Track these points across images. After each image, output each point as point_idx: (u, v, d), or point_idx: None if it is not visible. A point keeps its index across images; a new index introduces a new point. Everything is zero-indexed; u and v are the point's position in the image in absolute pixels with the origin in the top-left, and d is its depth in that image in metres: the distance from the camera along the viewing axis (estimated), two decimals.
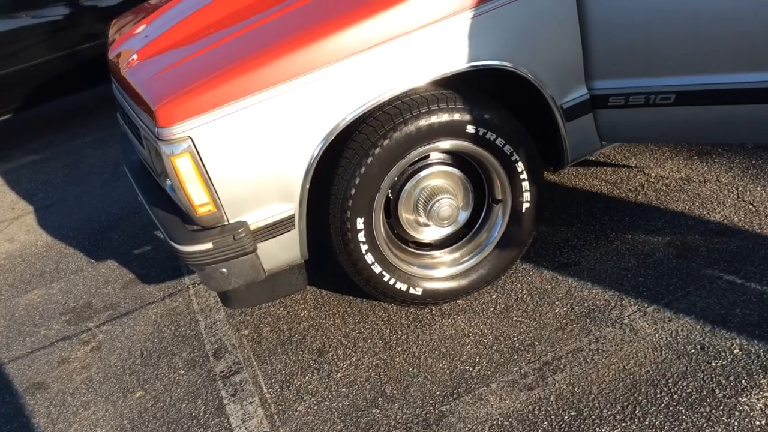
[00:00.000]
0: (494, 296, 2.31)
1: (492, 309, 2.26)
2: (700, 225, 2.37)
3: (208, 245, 1.96)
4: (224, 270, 2.01)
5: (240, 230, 1.96)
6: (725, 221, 2.36)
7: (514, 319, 2.19)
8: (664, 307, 2.07)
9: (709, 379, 1.81)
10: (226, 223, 1.98)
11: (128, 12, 3.36)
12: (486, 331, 2.17)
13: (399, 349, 2.18)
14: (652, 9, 2.04)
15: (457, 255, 2.32)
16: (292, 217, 2.05)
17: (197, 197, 1.93)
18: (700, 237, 2.31)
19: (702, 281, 2.13)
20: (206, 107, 1.88)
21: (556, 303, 2.21)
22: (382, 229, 2.21)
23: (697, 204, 2.47)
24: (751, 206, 2.39)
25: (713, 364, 1.85)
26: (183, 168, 1.89)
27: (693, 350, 1.90)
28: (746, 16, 1.91)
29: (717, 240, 2.28)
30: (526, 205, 2.28)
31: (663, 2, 2.02)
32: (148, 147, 2.12)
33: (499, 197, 2.29)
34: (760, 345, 1.86)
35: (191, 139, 1.88)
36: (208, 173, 1.91)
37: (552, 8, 2.12)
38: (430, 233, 2.31)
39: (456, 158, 2.26)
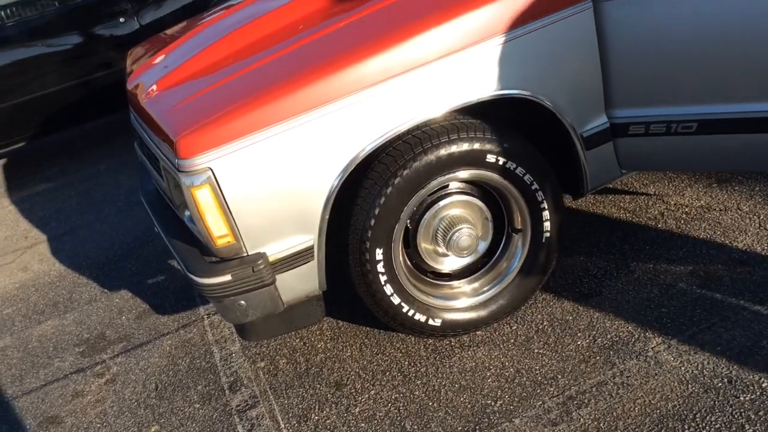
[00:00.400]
0: (514, 327, 2.28)
1: (512, 341, 2.22)
2: (722, 254, 2.34)
3: (227, 277, 1.94)
4: (243, 302, 1.99)
5: (259, 262, 1.95)
6: (748, 250, 2.32)
7: (536, 351, 2.15)
8: (689, 338, 2.03)
9: (738, 414, 1.76)
10: (246, 254, 1.96)
11: (144, 42, 3.39)
12: (507, 363, 2.13)
13: (418, 382, 2.15)
14: (672, 38, 2.03)
15: (476, 285, 2.30)
16: (311, 248, 2.03)
17: (216, 229, 1.92)
18: (723, 266, 2.28)
19: (727, 312, 2.10)
20: (226, 139, 1.88)
21: (578, 335, 2.17)
22: (401, 260, 2.19)
23: (719, 232, 2.44)
24: None
25: (741, 398, 1.80)
26: (203, 199, 1.89)
27: (720, 384, 1.86)
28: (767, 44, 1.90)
29: (740, 269, 2.25)
30: (546, 235, 2.26)
31: (683, 31, 2.01)
32: (167, 178, 2.11)
33: (519, 227, 2.27)
34: None
35: (211, 170, 1.87)
36: (227, 204, 1.90)
37: (571, 38, 2.11)
38: (450, 263, 2.28)
39: (475, 187, 2.25)
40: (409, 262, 2.25)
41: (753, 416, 1.75)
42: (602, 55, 2.16)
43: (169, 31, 3.36)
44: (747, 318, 2.05)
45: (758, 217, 2.47)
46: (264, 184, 1.93)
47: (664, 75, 2.11)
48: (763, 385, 1.83)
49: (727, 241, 2.39)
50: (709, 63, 2.02)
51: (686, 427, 1.77)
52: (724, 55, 1.99)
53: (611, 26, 2.11)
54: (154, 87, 2.33)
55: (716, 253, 2.35)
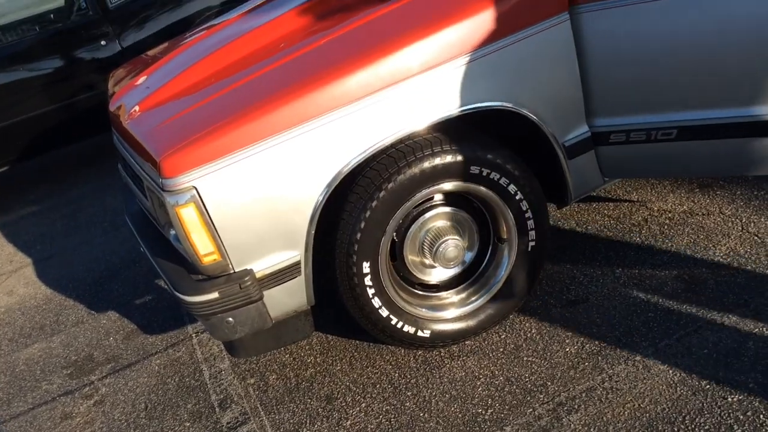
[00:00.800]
0: (503, 336, 2.29)
1: (502, 349, 2.23)
2: (706, 258, 2.36)
3: (214, 295, 1.94)
4: (230, 319, 1.99)
5: (246, 278, 1.95)
6: (731, 253, 2.35)
7: (525, 359, 2.16)
8: (676, 342, 2.05)
9: (727, 415, 1.78)
10: (232, 271, 1.97)
11: (126, 64, 3.40)
12: (497, 372, 2.14)
13: (409, 393, 2.15)
14: (649, 47, 2.07)
15: (464, 295, 2.31)
16: (298, 264, 2.03)
17: (202, 247, 1.92)
18: (707, 270, 2.31)
19: (712, 315, 2.12)
20: (210, 157, 1.89)
21: (566, 341, 2.18)
22: (389, 272, 2.19)
23: (702, 237, 2.47)
24: (756, 237, 2.39)
25: (729, 399, 1.82)
26: (188, 218, 1.89)
27: (708, 386, 1.88)
28: (743, 52, 1.94)
29: (724, 273, 2.27)
30: (531, 244, 2.27)
31: (660, 40, 2.05)
32: (152, 198, 2.11)
33: (505, 237, 2.28)
34: None
35: (196, 189, 1.87)
36: (213, 222, 1.90)
37: (551, 49, 2.14)
38: (437, 274, 2.29)
39: (460, 199, 2.26)
40: (396, 275, 2.26)
41: (741, 416, 1.77)
42: (581, 65, 2.19)
43: (151, 53, 3.37)
44: (732, 320, 2.08)
45: (740, 221, 2.50)
46: (249, 201, 1.93)
47: (643, 84, 2.14)
48: (750, 385, 1.85)
49: (710, 245, 2.42)
50: (685, 71, 2.06)
51: (676, 430, 1.78)
52: (700, 63, 2.02)
53: (589, 38, 2.14)
54: (137, 108, 2.34)
55: (700, 257, 2.38)
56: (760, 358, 1.92)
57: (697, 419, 1.79)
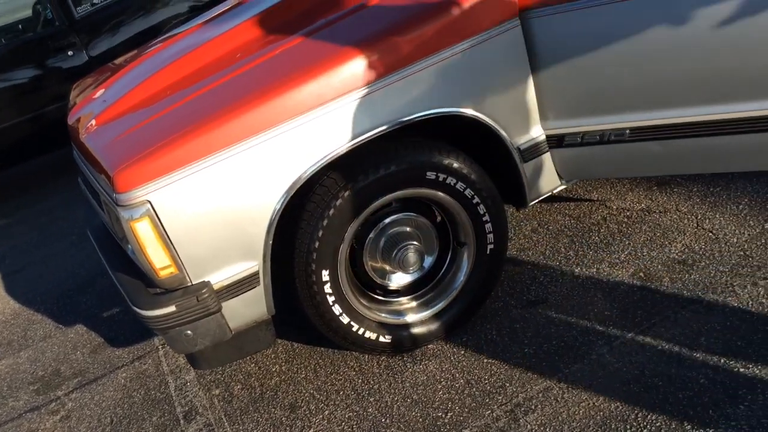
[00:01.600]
0: (465, 339, 2.31)
1: (463, 352, 2.25)
2: (662, 255, 2.41)
3: (171, 308, 1.94)
4: (189, 332, 1.99)
5: (203, 291, 1.96)
6: (686, 250, 2.40)
7: (485, 361, 2.19)
8: (631, 340, 2.09)
9: (678, 411, 1.82)
10: (189, 284, 1.97)
11: (91, 74, 3.39)
12: (457, 375, 2.16)
13: (371, 399, 2.17)
14: (599, 50, 2.10)
15: (425, 300, 2.33)
16: (256, 274, 2.04)
17: (158, 260, 1.92)
18: (663, 267, 2.35)
19: (667, 312, 2.16)
20: (164, 170, 1.89)
21: (525, 342, 2.21)
22: (349, 279, 2.21)
23: (659, 234, 2.52)
24: (711, 234, 2.44)
25: (680, 395, 1.86)
26: (142, 232, 1.89)
27: (660, 383, 1.91)
28: (689, 54, 1.98)
29: (679, 269, 2.32)
30: (490, 247, 2.30)
31: (609, 43, 2.08)
32: (108, 212, 2.11)
33: (464, 240, 2.31)
34: (725, 374, 1.88)
35: (150, 202, 1.88)
36: (168, 235, 1.91)
37: (503, 55, 2.17)
38: (397, 280, 2.31)
39: (419, 204, 2.28)
40: (356, 281, 2.28)
41: (691, 412, 1.80)
42: (534, 69, 2.22)
43: (118, 61, 3.36)
44: (685, 317, 2.12)
45: (696, 217, 2.55)
46: (204, 213, 1.94)
47: (594, 86, 2.17)
48: (701, 381, 1.89)
49: (666, 242, 2.46)
50: (634, 73, 2.09)
51: (628, 427, 1.81)
52: (649, 65, 2.06)
53: (540, 42, 2.17)
54: (93, 122, 2.34)
55: (656, 254, 2.42)
56: (711, 353, 1.96)
57: (649, 416, 1.83)
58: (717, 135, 2.06)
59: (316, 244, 2.09)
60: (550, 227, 2.75)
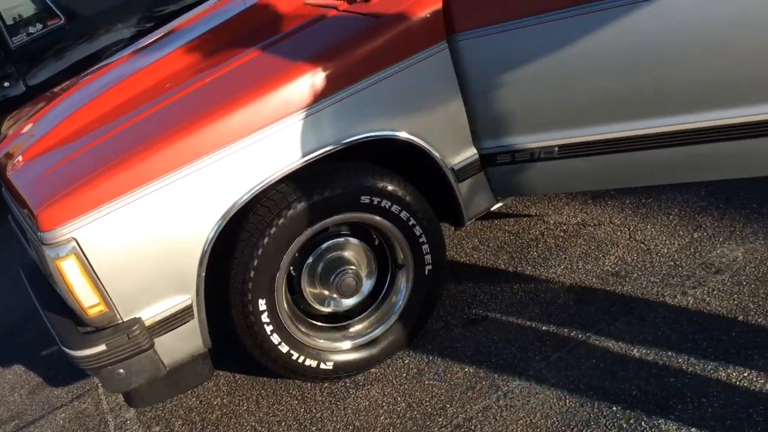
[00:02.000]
0: (407, 361, 2.31)
1: (404, 375, 2.26)
2: (596, 268, 2.45)
3: (101, 347, 1.90)
4: (122, 371, 1.95)
5: (134, 328, 1.92)
6: (620, 262, 2.45)
7: (426, 383, 2.19)
8: (567, 354, 2.12)
9: (611, 424, 1.85)
10: (120, 321, 1.94)
11: (26, 104, 3.31)
12: (399, 398, 2.16)
13: (314, 428, 2.15)
14: (524, 70, 2.14)
15: (365, 324, 2.32)
16: (189, 308, 2.02)
17: (86, 299, 1.88)
18: (597, 280, 2.39)
19: (601, 324, 2.20)
20: (89, 207, 1.86)
21: (466, 361, 2.22)
22: (287, 307, 2.20)
23: (593, 247, 2.57)
24: (642, 245, 2.50)
25: (614, 408, 1.89)
26: (69, 270, 1.85)
27: (595, 396, 1.94)
28: (608, 73, 2.04)
29: (613, 281, 2.36)
30: (428, 268, 2.31)
31: (533, 64, 2.12)
32: (35, 250, 2.06)
33: (402, 262, 2.32)
34: (657, 384, 1.92)
35: (75, 240, 1.84)
36: (95, 273, 1.87)
37: (432, 77, 2.20)
38: (336, 305, 2.30)
39: (356, 228, 2.29)
40: (295, 308, 2.26)
41: (625, 425, 1.83)
42: (464, 91, 2.25)
43: (56, 89, 3.29)
44: (619, 329, 2.16)
45: (628, 229, 2.61)
46: (133, 248, 1.91)
47: (521, 106, 2.21)
48: (634, 393, 1.92)
49: (600, 255, 2.51)
50: (560, 92, 2.14)
51: None
52: (571, 83, 2.11)
53: (468, 64, 2.21)
54: (20, 158, 2.29)
55: (591, 267, 2.47)
56: (643, 365, 2.00)
57: (584, 431, 1.85)
58: (639, 150, 2.12)
59: (252, 273, 2.07)
60: (491, 244, 2.79)
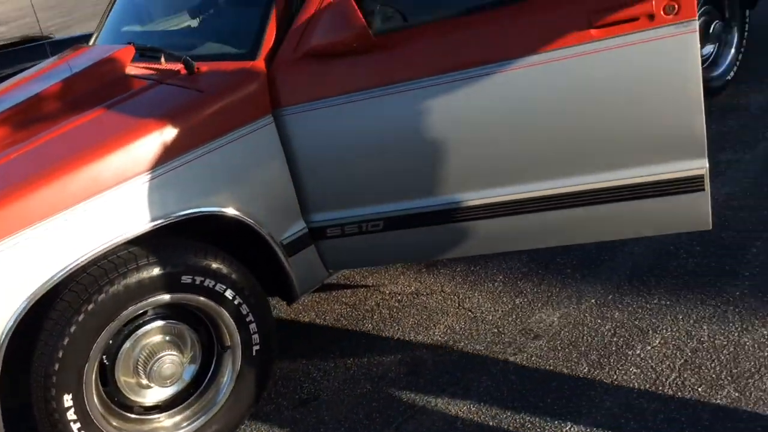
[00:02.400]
0: None
1: None
2: (427, 338, 2.49)
3: None
4: None
5: None
6: (449, 331, 2.50)
7: None
8: (395, 431, 2.11)
9: None
10: None
11: None
12: None
13: None
14: (348, 145, 2.19)
15: (188, 413, 2.19)
16: None
17: None
18: (427, 350, 2.43)
19: (429, 397, 2.21)
20: None
21: None
22: (98, 401, 2.02)
23: (425, 317, 2.61)
24: (470, 313, 2.58)
25: None
26: None
27: None
28: (421, 151, 2.12)
29: (441, 351, 2.41)
30: (256, 348, 2.23)
31: (355, 140, 2.17)
32: None
33: (228, 344, 2.22)
34: None
35: None
36: None
37: (257, 152, 2.18)
38: (155, 395, 2.15)
39: (178, 309, 2.18)
40: (108, 401, 2.09)
41: None
42: (291, 164, 2.25)
43: None
44: (445, 401, 2.19)
45: (458, 297, 2.69)
46: None
47: (347, 179, 2.25)
48: None
49: (431, 325, 2.56)
50: (381, 166, 2.20)
51: None
52: (391, 159, 2.17)
53: (294, 138, 2.21)
54: None
55: (422, 338, 2.50)
56: None
57: None
58: (460, 221, 2.21)
59: (56, 366, 1.90)
60: (327, 317, 2.76)
